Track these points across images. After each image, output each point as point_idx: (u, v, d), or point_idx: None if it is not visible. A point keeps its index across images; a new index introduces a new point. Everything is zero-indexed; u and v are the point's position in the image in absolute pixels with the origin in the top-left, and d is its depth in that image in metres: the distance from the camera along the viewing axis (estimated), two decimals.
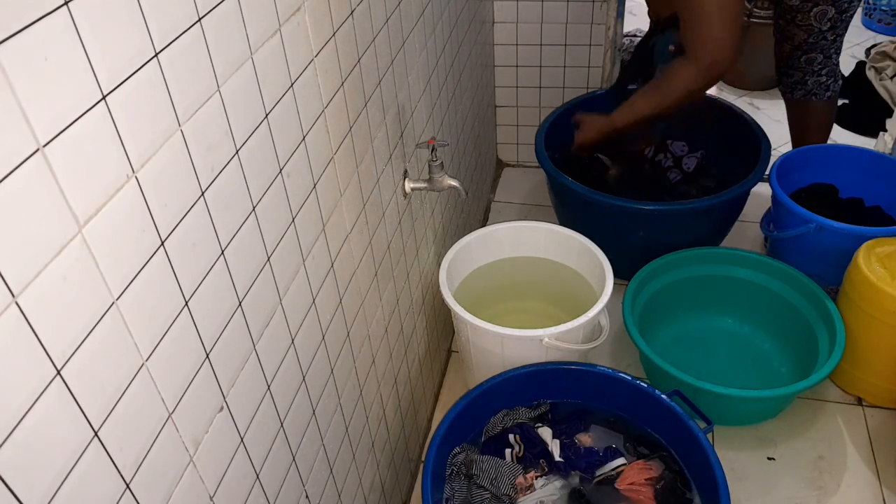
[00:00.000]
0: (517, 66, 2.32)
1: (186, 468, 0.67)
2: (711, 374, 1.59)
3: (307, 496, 0.98)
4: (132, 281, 0.56)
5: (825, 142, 2.14)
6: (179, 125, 0.60)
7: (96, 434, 0.53)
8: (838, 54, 1.99)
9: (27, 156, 0.45)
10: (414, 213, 1.41)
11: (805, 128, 2.12)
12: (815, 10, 1.87)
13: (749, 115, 2.08)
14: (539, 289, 1.82)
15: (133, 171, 0.55)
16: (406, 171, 1.33)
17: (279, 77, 0.78)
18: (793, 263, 1.77)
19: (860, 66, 2.95)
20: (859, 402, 1.73)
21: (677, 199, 2.07)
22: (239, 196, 0.72)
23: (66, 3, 0.46)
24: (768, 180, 1.87)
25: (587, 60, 2.27)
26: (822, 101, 2.05)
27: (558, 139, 2.05)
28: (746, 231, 2.18)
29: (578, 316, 1.47)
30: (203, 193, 0.65)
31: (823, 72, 1.99)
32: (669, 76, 1.71)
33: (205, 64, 0.63)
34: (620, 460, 1.42)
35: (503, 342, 1.49)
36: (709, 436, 1.39)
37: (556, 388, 1.51)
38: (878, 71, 2.85)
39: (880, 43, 2.99)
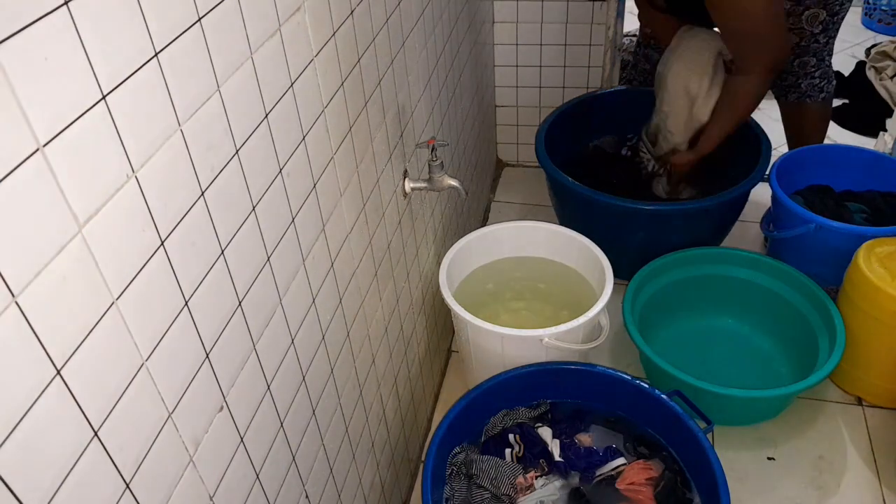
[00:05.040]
0: (517, 66, 2.32)
1: (186, 468, 0.67)
2: (711, 374, 1.59)
3: (307, 496, 0.98)
4: (132, 281, 0.56)
5: (821, 142, 2.14)
6: (179, 125, 0.60)
7: (96, 434, 0.53)
8: (831, 56, 1.99)
9: (27, 156, 0.45)
10: (414, 213, 1.41)
11: (800, 130, 2.13)
12: (806, 13, 1.88)
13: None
14: (539, 289, 1.82)
15: (133, 171, 0.55)
16: (406, 171, 1.33)
17: (279, 77, 0.78)
18: (793, 263, 1.77)
19: (860, 66, 2.95)
20: (859, 402, 1.73)
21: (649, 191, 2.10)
22: (239, 196, 0.72)
23: (66, 3, 0.46)
24: (768, 180, 1.87)
25: (587, 60, 2.27)
26: (817, 102, 2.04)
27: (558, 139, 2.05)
28: (746, 231, 2.17)
29: (578, 316, 1.47)
30: (203, 193, 0.65)
31: (817, 74, 1.99)
32: (738, 94, 1.73)
33: (205, 64, 0.63)
34: (620, 460, 1.42)
35: (503, 342, 1.49)
36: (709, 436, 1.39)
37: (556, 388, 1.51)
38: (878, 71, 2.85)
39: (880, 43, 2.99)
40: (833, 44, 1.97)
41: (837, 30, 1.94)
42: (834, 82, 2.05)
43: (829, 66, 2.01)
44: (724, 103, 1.78)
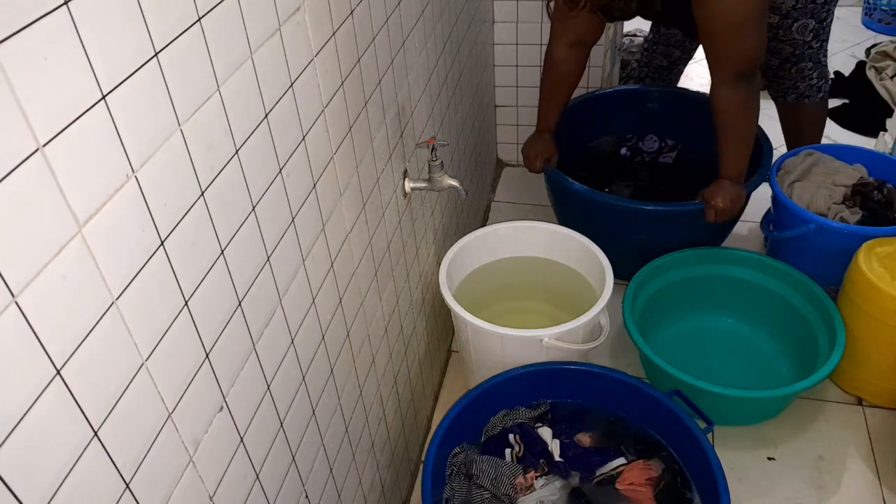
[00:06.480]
0: (517, 66, 2.32)
1: (186, 468, 0.67)
2: (711, 374, 1.59)
3: (307, 496, 0.98)
4: (132, 281, 0.56)
5: (819, 142, 2.15)
6: (179, 125, 0.60)
7: (96, 434, 0.53)
8: (826, 56, 2.00)
9: (27, 156, 0.45)
10: (414, 213, 1.41)
11: (799, 129, 2.13)
12: (795, 25, 1.88)
13: None
14: (539, 289, 1.82)
15: (133, 171, 0.55)
16: (406, 171, 1.33)
17: (279, 77, 0.78)
18: (793, 263, 1.77)
19: (860, 66, 2.95)
20: (859, 402, 1.73)
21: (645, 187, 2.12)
22: (239, 196, 0.72)
23: (66, 3, 0.46)
24: (768, 180, 1.87)
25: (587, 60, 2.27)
26: (815, 101, 2.05)
27: (558, 139, 2.05)
28: (746, 231, 2.18)
29: (578, 316, 1.47)
30: (203, 193, 0.65)
31: (814, 75, 2.00)
32: (738, 110, 1.61)
33: (205, 64, 0.63)
34: (620, 460, 1.42)
35: (503, 342, 1.49)
36: (709, 436, 1.39)
37: (556, 388, 1.51)
38: (878, 71, 2.85)
39: (880, 43, 2.99)
40: (826, 46, 1.98)
41: (829, 33, 1.95)
42: (830, 80, 2.06)
43: (825, 65, 2.02)
44: (725, 125, 1.64)
